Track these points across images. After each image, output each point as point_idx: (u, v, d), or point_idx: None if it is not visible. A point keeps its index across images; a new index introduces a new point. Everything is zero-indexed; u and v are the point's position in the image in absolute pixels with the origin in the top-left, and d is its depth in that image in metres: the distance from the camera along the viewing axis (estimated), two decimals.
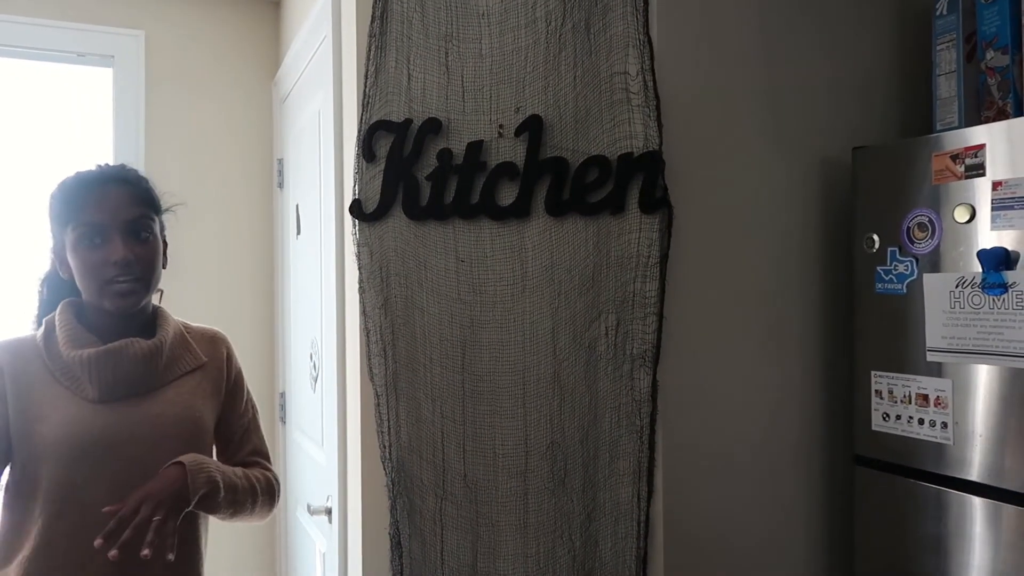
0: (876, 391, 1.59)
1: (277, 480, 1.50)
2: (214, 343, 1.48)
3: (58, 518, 1.24)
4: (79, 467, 1.23)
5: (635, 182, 1.53)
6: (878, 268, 1.58)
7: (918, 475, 1.51)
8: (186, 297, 2.57)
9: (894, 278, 1.55)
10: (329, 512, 1.96)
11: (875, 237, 1.59)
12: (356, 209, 1.65)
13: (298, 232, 2.34)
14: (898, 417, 1.54)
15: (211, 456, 1.42)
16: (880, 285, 1.58)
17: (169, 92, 2.58)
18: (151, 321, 1.38)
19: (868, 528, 1.61)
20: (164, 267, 1.38)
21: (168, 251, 1.41)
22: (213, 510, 1.30)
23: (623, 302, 1.56)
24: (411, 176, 1.61)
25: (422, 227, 1.63)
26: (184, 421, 1.34)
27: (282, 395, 2.60)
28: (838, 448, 1.75)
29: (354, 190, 1.66)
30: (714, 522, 1.63)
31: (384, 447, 1.66)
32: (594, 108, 1.56)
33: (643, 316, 1.55)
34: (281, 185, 2.58)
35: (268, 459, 1.52)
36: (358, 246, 1.66)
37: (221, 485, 1.27)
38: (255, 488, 1.37)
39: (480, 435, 1.62)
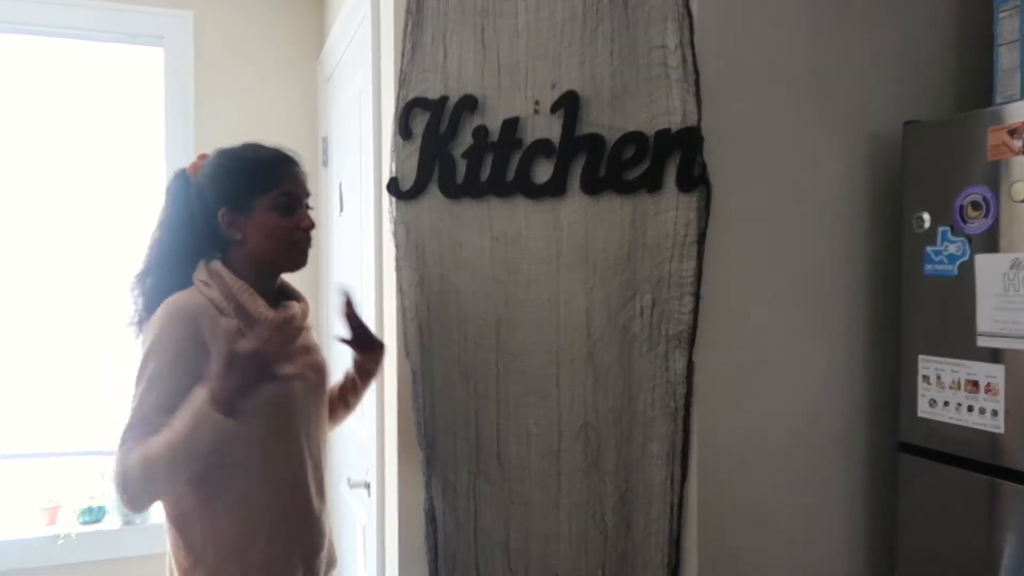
0: (923, 376, 1.53)
1: None
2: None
3: (251, 469, 1.33)
4: (275, 418, 1.35)
5: (673, 159, 1.50)
6: (928, 248, 1.52)
7: (966, 464, 1.46)
8: None
9: (944, 259, 1.49)
10: (368, 486, 1.99)
11: (925, 216, 1.53)
12: (393, 187, 1.65)
13: (341, 210, 2.37)
14: (946, 404, 1.49)
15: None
16: (929, 266, 1.51)
17: (217, 71, 2.62)
18: None
19: (912, 519, 1.56)
20: None
21: None
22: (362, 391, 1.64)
23: (659, 282, 1.53)
24: (447, 154, 1.60)
25: (457, 205, 1.62)
26: (325, 366, 1.54)
27: None
28: (882, 435, 1.70)
29: (391, 168, 1.66)
30: (750, 507, 1.60)
31: (419, 424, 1.68)
32: (631, 83, 1.52)
33: (679, 296, 1.52)
34: (326, 163, 2.60)
35: None
36: (395, 224, 1.67)
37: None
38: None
39: (514, 414, 1.62)
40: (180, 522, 1.33)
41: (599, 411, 1.58)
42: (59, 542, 2.38)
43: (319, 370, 1.51)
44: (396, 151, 1.65)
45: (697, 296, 1.52)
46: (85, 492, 2.46)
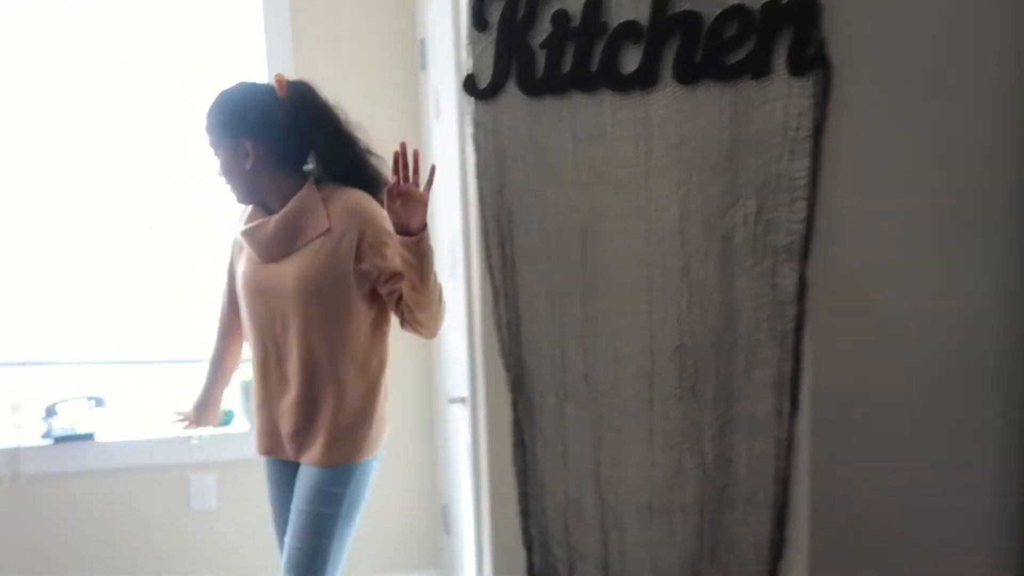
0: None
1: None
2: (350, 215, 1.68)
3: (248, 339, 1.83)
4: (247, 304, 1.77)
5: (783, 37, 1.26)
6: None
7: None
8: None
9: None
10: (464, 401, 1.94)
11: None
12: (469, 85, 1.52)
13: (437, 115, 2.25)
14: None
15: (331, 312, 1.70)
16: None
17: None
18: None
19: None
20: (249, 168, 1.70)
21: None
22: (418, 271, 1.60)
23: (765, 185, 1.32)
24: (525, 45, 1.44)
25: (537, 103, 1.46)
26: (302, 279, 1.68)
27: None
28: None
29: (468, 65, 1.52)
30: (875, 450, 1.38)
31: (503, 342, 1.58)
32: None
33: (789, 201, 1.31)
34: (424, 67, 2.48)
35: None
36: (474, 126, 1.54)
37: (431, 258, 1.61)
38: (440, 290, 1.67)
39: (601, 334, 1.48)
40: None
41: (695, 332, 1.41)
42: (192, 442, 2.53)
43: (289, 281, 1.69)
44: (472, 45, 1.50)
45: (812, 201, 1.30)
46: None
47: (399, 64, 2.59)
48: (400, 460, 2.75)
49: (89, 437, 2.51)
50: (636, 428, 1.49)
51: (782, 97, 1.27)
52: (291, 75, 2.52)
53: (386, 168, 1.68)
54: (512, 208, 1.52)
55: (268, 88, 1.71)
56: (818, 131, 1.27)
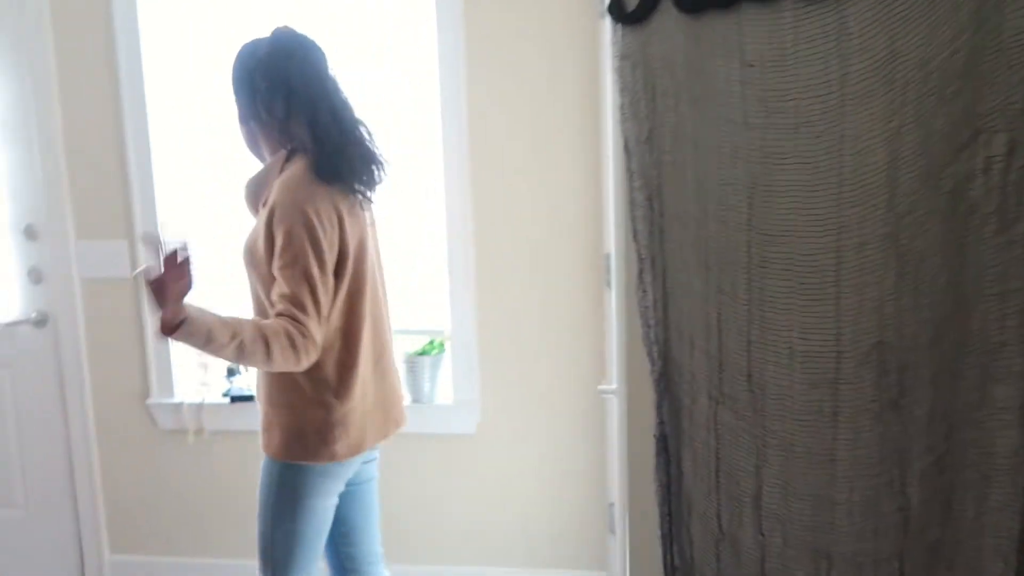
0: None
1: (291, 331, 1.55)
2: (276, 190, 1.64)
3: None
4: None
5: None
6: None
7: None
8: (502, 139, 2.40)
9: None
10: (615, 394, 1.66)
11: None
12: (615, 8, 1.22)
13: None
14: None
15: (257, 290, 1.70)
16: None
17: None
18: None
19: None
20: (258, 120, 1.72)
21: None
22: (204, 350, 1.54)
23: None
24: None
25: (698, 22, 1.13)
26: (246, 246, 1.70)
27: (607, 256, 2.31)
28: None
29: None
30: None
31: (647, 326, 1.28)
32: None
33: None
34: (603, 15, 2.19)
35: (298, 306, 1.57)
36: (620, 58, 1.24)
37: (205, 337, 1.50)
38: (239, 344, 1.52)
39: (771, 321, 1.13)
40: None
41: (903, 326, 1.01)
42: None
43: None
44: None
45: None
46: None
47: (576, 10, 2.33)
48: (572, 452, 2.53)
49: None
50: (813, 449, 1.11)
51: None
52: (462, 20, 2.38)
53: (384, 164, 1.74)
54: (663, 158, 1.21)
55: (255, 46, 1.69)
56: None
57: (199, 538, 2.68)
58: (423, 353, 2.48)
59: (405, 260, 2.64)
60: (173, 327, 1.45)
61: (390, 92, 2.55)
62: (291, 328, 1.55)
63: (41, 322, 2.64)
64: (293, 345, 1.55)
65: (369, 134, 1.73)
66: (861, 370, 1.05)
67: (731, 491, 1.21)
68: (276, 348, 1.54)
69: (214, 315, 1.53)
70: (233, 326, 1.52)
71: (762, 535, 1.17)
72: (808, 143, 1.05)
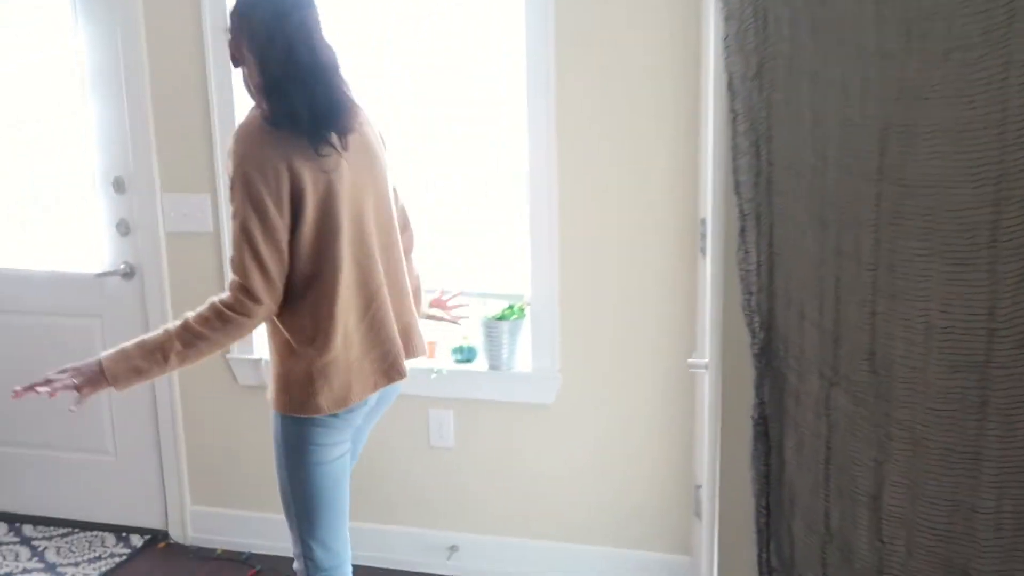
0: None
1: (218, 306, 1.60)
2: (232, 138, 1.63)
3: None
4: None
5: None
6: None
7: None
8: (588, 97, 2.23)
9: None
10: (707, 369, 1.49)
11: None
12: None
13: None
14: None
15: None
16: None
17: None
18: None
19: None
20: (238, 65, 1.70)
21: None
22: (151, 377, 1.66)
23: None
24: None
25: None
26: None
27: (703, 222, 2.12)
28: None
29: None
30: None
31: (749, 293, 1.11)
32: None
33: None
34: None
35: (238, 267, 1.59)
36: None
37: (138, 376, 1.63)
38: (178, 354, 1.60)
39: (903, 289, 0.94)
40: None
41: None
42: (432, 376, 2.41)
43: None
44: None
45: None
46: (459, 332, 2.43)
47: None
48: (656, 429, 2.38)
49: None
50: (951, 446, 0.93)
51: None
52: None
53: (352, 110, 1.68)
54: (773, 96, 1.03)
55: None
56: None
57: (276, 493, 2.68)
58: (501, 318, 2.37)
59: (486, 221, 2.52)
60: (104, 387, 1.59)
61: (471, 46, 2.42)
62: (219, 303, 1.60)
63: (129, 274, 2.67)
64: (228, 317, 1.59)
65: (343, 80, 1.67)
66: (1018, 353, 0.86)
67: (844, 487, 1.04)
68: (215, 332, 1.59)
69: (136, 348, 1.60)
70: (161, 344, 1.59)
71: (881, 541, 1.00)
72: (957, 72, 0.85)
